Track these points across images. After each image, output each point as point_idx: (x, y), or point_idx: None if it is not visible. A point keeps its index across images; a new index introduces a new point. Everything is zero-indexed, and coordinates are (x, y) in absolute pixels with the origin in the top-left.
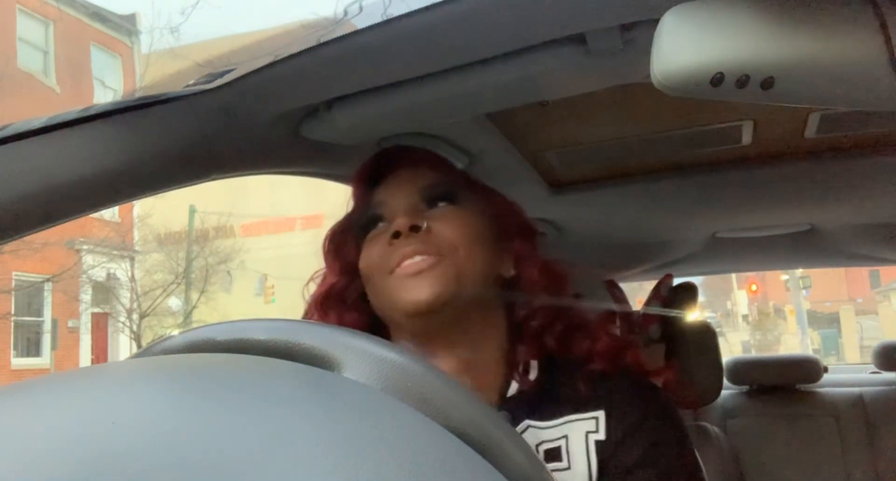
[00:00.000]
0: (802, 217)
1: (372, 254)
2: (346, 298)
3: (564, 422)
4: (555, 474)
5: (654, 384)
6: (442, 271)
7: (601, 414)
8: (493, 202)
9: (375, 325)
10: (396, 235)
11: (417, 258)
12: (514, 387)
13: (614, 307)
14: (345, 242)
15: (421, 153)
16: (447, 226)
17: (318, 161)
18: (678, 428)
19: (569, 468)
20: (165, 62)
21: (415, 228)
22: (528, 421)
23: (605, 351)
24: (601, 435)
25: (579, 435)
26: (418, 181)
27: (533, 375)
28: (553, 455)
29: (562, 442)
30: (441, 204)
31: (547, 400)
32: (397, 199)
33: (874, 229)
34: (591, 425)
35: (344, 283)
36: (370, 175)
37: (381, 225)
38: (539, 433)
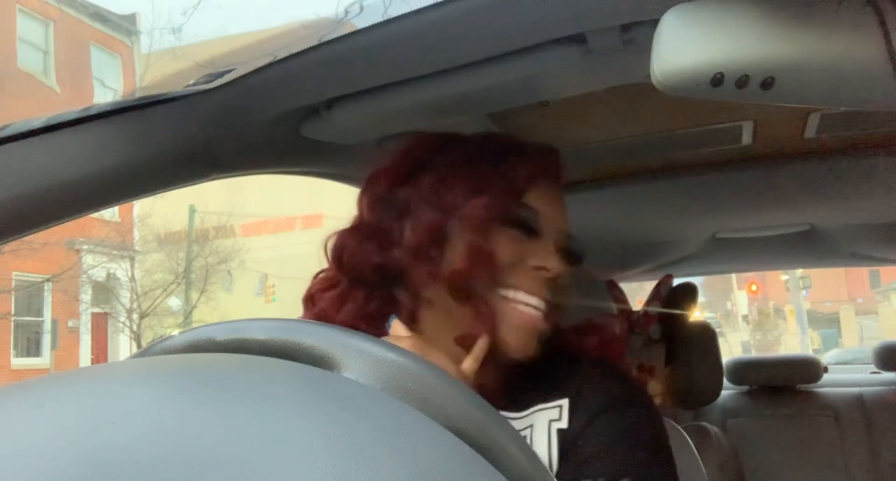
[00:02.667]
0: (802, 217)
1: (511, 257)
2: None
3: (532, 412)
4: None
5: (627, 373)
6: (543, 328)
7: (565, 402)
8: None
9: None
10: (542, 269)
11: (536, 305)
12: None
13: (614, 307)
14: (485, 225)
15: (562, 179)
16: (563, 285)
17: (318, 161)
18: (647, 425)
19: None
20: (165, 62)
21: (558, 277)
22: (501, 413)
23: (592, 345)
24: (563, 424)
25: (543, 423)
26: (566, 220)
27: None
28: None
29: (527, 432)
30: (565, 260)
31: (519, 390)
32: (552, 227)
33: (874, 229)
34: (554, 413)
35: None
36: (539, 167)
37: (517, 228)
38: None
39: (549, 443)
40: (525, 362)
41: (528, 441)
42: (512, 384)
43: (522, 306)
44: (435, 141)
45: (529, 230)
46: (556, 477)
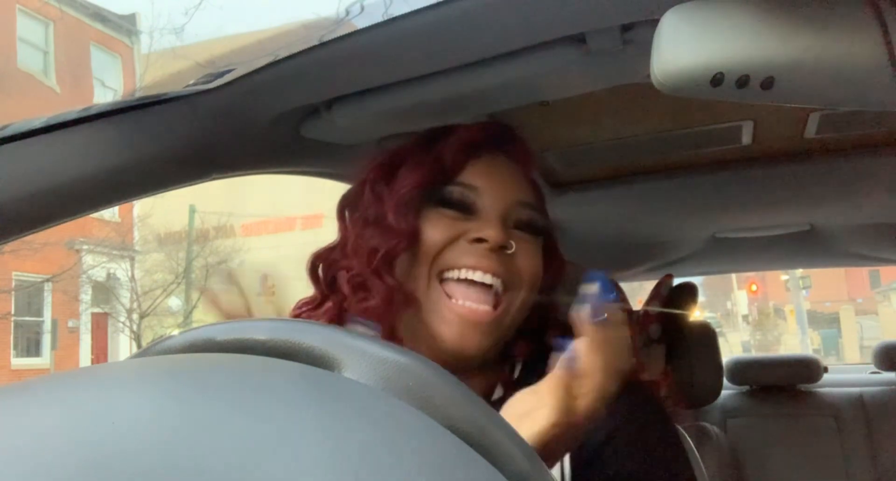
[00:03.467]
0: (802, 217)
1: (441, 234)
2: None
3: None
4: None
5: (640, 382)
6: (497, 319)
7: None
8: (550, 243)
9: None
10: (480, 241)
11: (479, 280)
12: (498, 391)
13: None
14: (412, 204)
15: (526, 150)
16: (525, 259)
17: (318, 161)
18: (662, 430)
19: None
20: (165, 62)
21: (502, 248)
22: None
23: None
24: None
25: None
26: (519, 191)
27: (516, 374)
28: None
29: None
30: (527, 232)
31: None
32: (495, 200)
33: (874, 229)
34: None
35: (402, 249)
36: (474, 143)
37: (451, 207)
38: None
39: (561, 463)
40: (537, 371)
41: None
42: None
43: (465, 284)
44: (394, 148)
45: (463, 207)
46: None
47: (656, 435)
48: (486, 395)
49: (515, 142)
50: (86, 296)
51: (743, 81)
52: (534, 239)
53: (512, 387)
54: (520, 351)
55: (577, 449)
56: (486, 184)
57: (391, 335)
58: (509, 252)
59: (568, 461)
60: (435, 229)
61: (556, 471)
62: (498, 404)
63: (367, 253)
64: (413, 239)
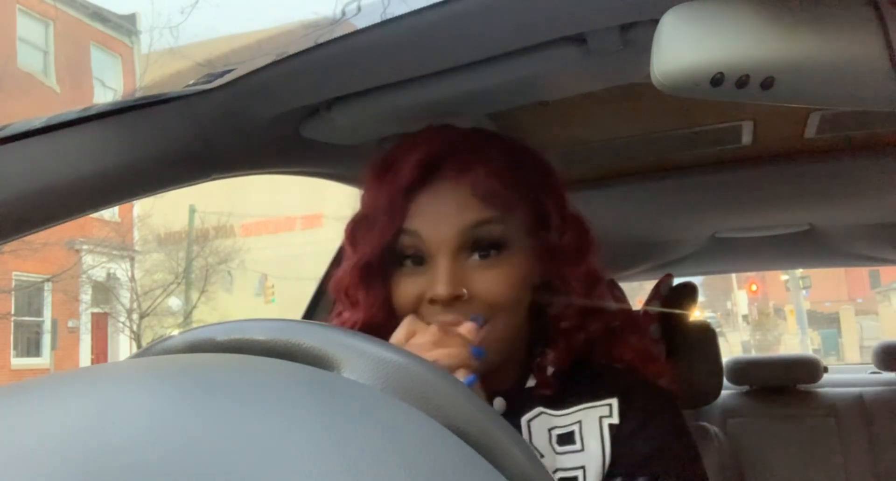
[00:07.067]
0: (802, 217)
1: (404, 299)
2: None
3: (578, 410)
4: (568, 456)
5: (662, 388)
6: (487, 335)
7: (615, 401)
8: (564, 234)
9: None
10: (435, 301)
11: (457, 328)
12: (531, 381)
13: (614, 307)
14: (371, 274)
15: (466, 164)
16: (493, 285)
17: (318, 161)
18: (686, 429)
19: (582, 450)
20: (165, 62)
21: (457, 298)
22: (540, 408)
23: (630, 359)
24: (615, 420)
25: (593, 419)
26: (464, 214)
27: (550, 371)
28: (566, 439)
29: (575, 427)
30: (489, 251)
31: (562, 393)
32: (437, 242)
33: (874, 229)
34: (605, 411)
35: (381, 320)
36: (408, 187)
37: (408, 260)
38: (551, 419)
39: (601, 438)
40: (564, 368)
41: (578, 436)
42: (555, 388)
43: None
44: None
45: (416, 258)
46: (610, 471)
47: (677, 427)
48: (520, 384)
49: (453, 160)
50: (86, 296)
51: (743, 81)
52: (498, 256)
53: (545, 380)
54: (556, 356)
55: (617, 429)
56: (425, 226)
57: None
58: (465, 295)
59: (609, 440)
60: (400, 294)
61: (597, 446)
62: (530, 392)
63: (349, 325)
64: (386, 311)
